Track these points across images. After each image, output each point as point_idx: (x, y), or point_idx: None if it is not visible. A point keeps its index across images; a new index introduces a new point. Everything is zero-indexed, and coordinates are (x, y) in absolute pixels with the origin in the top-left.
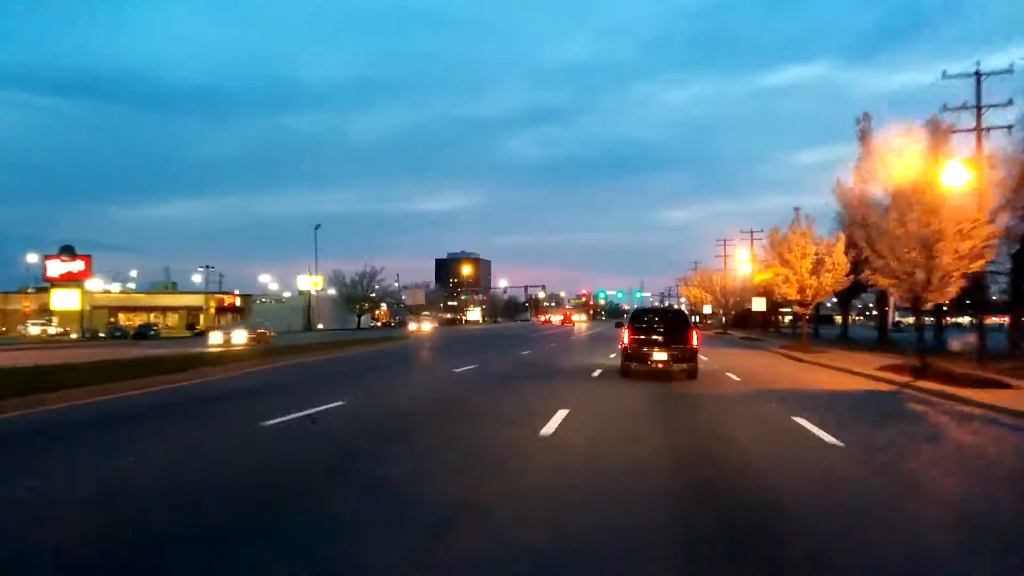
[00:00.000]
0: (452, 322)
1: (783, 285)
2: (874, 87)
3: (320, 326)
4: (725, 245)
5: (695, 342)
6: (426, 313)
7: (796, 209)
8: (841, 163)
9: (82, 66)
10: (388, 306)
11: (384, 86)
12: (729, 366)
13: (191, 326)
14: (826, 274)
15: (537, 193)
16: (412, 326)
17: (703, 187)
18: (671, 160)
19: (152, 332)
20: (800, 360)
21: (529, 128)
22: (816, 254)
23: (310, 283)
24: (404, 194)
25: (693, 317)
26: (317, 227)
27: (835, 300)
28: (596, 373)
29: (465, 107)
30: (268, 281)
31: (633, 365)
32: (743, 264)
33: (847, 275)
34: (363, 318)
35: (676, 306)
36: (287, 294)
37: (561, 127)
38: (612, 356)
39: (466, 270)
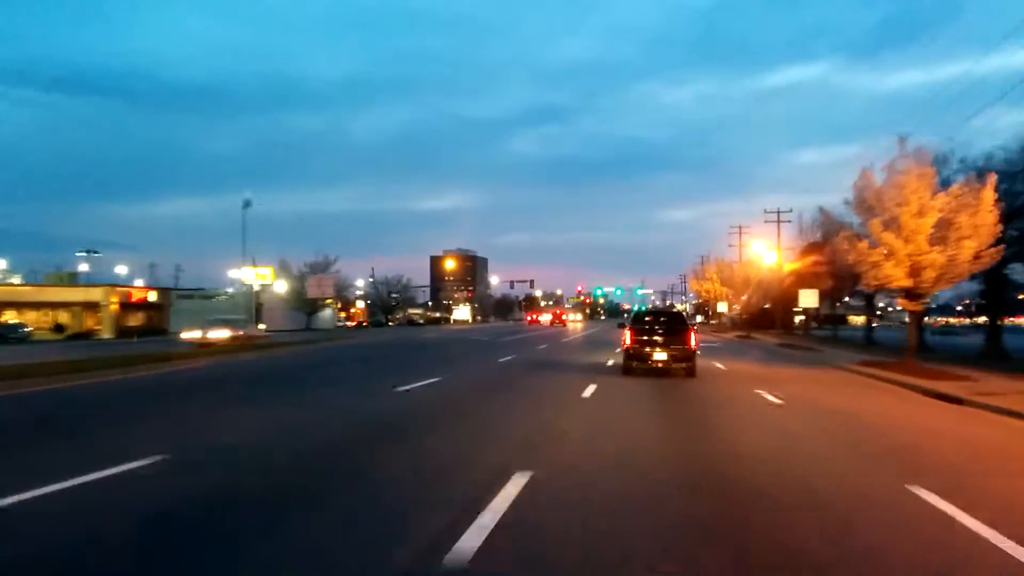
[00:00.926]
0: (436, 321)
1: (885, 264)
2: (875, 86)
3: (262, 327)
4: (740, 233)
5: (693, 343)
6: (226, 317)
7: (901, 138)
8: None
9: (81, 63)
10: (368, 305)
11: (386, 85)
12: (868, 435)
13: (59, 327)
14: (964, 243)
15: (538, 192)
16: (192, 335)
17: (704, 186)
18: (672, 159)
19: (18, 334)
20: (956, 400)
21: (531, 127)
22: (940, 211)
23: (255, 276)
24: (405, 193)
25: (697, 317)
26: (246, 205)
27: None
28: (498, 511)
29: (467, 106)
30: (239, 276)
31: (634, 364)
32: (765, 254)
33: (992, 245)
34: (325, 316)
35: (682, 303)
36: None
37: (562, 126)
38: (587, 394)
39: (450, 264)
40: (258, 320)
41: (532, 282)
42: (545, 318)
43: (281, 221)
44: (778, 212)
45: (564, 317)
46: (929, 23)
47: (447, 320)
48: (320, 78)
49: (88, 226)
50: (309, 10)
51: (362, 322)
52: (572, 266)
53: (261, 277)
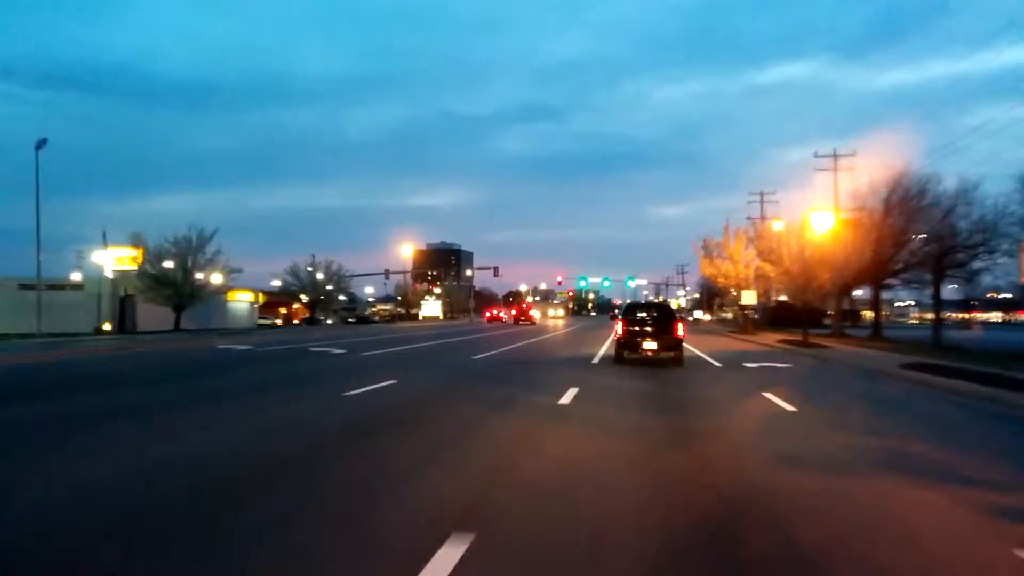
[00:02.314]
0: (395, 318)
1: None
2: (866, 84)
3: (106, 327)
4: (762, 201)
5: (680, 333)
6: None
7: None
8: None
9: (73, 59)
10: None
11: (378, 82)
12: None
13: None
14: None
15: (529, 189)
16: None
17: (694, 183)
18: (663, 157)
19: None
20: None
21: (522, 124)
22: None
23: (114, 260)
24: (397, 189)
25: (696, 313)
26: (39, 146)
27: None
28: None
29: (459, 103)
30: (98, 260)
31: (626, 353)
32: (817, 218)
33: None
34: (239, 312)
35: (676, 298)
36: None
37: (554, 123)
38: None
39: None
40: (122, 316)
41: (496, 269)
42: (513, 313)
43: (276, 218)
44: (835, 155)
45: (532, 313)
46: (920, 21)
47: (414, 316)
48: (312, 75)
49: (84, 224)
50: (301, 7)
51: (293, 320)
52: (562, 263)
53: (126, 261)
